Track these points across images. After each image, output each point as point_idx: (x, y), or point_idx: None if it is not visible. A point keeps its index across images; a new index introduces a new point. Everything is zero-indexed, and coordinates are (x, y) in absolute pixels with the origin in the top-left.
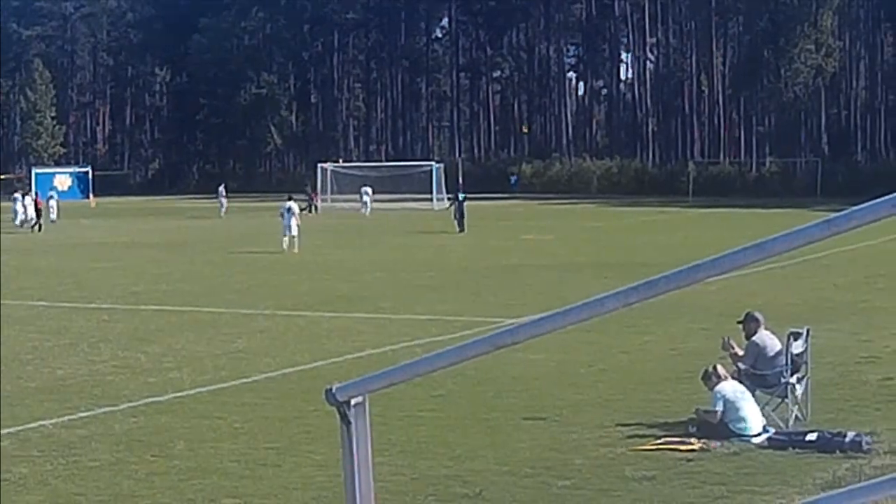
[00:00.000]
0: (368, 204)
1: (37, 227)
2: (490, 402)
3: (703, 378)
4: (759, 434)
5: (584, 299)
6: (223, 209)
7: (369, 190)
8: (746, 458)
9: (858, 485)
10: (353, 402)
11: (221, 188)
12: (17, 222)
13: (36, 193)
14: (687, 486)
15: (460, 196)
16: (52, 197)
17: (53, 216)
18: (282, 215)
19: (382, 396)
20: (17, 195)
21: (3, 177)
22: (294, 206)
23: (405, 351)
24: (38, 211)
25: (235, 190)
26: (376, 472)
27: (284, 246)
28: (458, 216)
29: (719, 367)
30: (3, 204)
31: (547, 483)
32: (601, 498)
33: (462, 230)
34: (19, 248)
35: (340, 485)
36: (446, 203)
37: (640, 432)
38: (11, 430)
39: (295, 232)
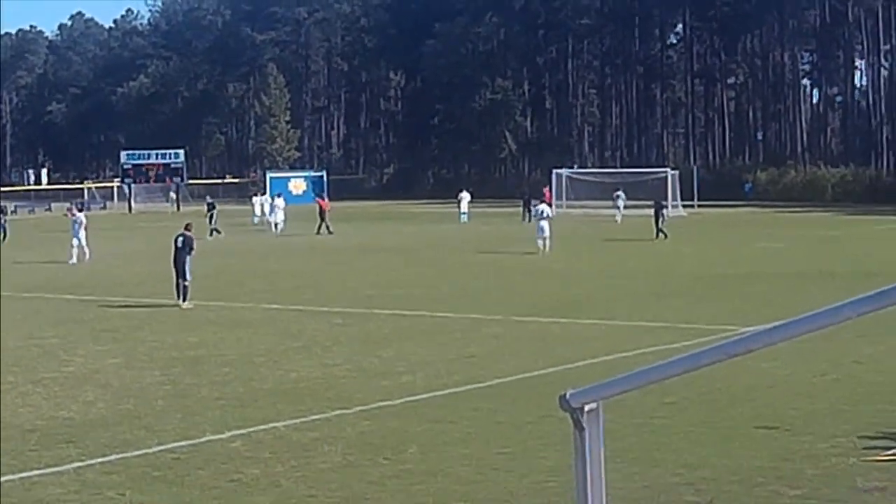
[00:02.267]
0: (621, 209)
1: (324, 230)
2: (722, 411)
3: None
4: None
5: (814, 308)
6: (465, 215)
7: (623, 194)
8: None
9: None
10: (586, 408)
11: (464, 193)
12: (255, 222)
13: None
14: None
15: (663, 203)
16: (278, 197)
17: (280, 220)
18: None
19: (614, 403)
20: (256, 198)
21: (237, 180)
22: (547, 208)
23: (638, 358)
24: (322, 213)
25: (472, 195)
26: (607, 478)
27: (540, 249)
28: (656, 222)
29: None
30: (237, 208)
31: (778, 492)
32: None
33: (657, 237)
34: (253, 251)
35: (572, 491)
36: (682, 210)
37: (873, 443)
38: (243, 431)
39: (547, 234)
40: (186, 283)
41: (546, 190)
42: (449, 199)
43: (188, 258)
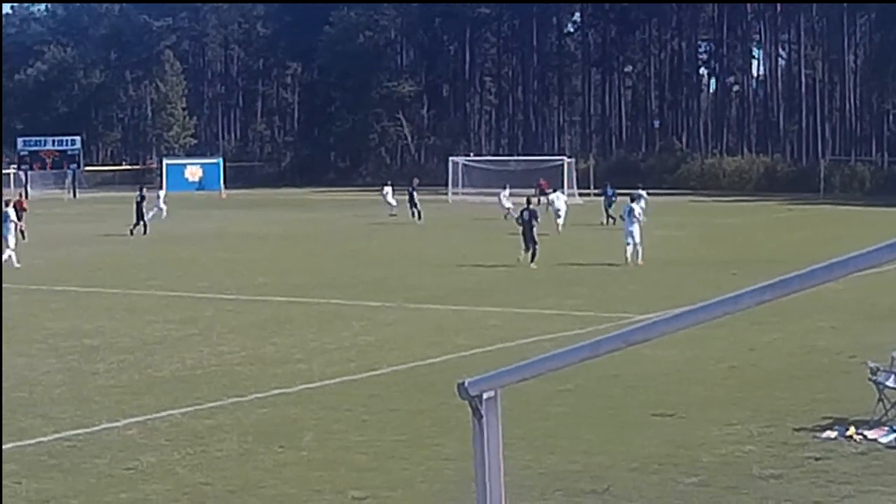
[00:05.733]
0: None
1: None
2: (618, 398)
3: None
4: None
5: (711, 296)
6: (395, 206)
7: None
8: (873, 458)
9: None
10: (485, 396)
11: (387, 188)
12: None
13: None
14: (814, 485)
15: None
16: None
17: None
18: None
19: (510, 390)
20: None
21: (134, 167)
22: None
23: (534, 345)
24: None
25: (369, 184)
26: (505, 465)
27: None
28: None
29: None
30: (131, 194)
31: (674, 479)
32: (728, 495)
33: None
34: (148, 240)
35: (467, 478)
36: (578, 198)
37: (768, 430)
38: (139, 418)
39: (638, 238)
40: (536, 247)
41: (543, 181)
42: (347, 187)
43: (535, 226)
